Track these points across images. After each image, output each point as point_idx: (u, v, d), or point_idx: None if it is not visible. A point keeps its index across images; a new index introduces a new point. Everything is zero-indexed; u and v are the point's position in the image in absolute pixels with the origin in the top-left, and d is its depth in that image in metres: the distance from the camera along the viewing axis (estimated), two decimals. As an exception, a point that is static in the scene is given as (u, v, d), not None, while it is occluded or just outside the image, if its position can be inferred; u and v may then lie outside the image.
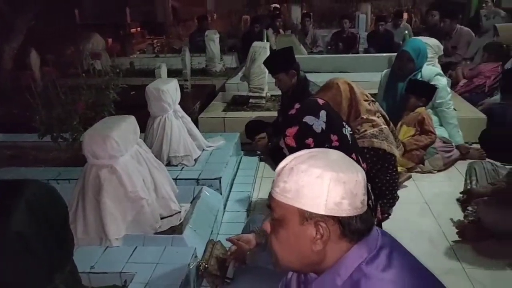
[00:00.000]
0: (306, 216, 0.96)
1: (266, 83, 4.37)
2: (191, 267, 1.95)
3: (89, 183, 2.13)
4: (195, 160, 3.02)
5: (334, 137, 1.68)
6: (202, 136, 3.24)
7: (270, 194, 1.04)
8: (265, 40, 5.78)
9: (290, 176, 0.97)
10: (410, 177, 3.23)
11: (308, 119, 1.67)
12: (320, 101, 1.81)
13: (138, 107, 2.95)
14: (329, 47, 7.50)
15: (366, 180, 1.03)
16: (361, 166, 1.78)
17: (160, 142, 2.90)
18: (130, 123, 2.28)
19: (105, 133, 2.09)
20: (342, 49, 7.18)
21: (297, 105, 1.77)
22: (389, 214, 2.77)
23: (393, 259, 0.97)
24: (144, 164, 2.34)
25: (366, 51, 7.27)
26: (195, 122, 4.14)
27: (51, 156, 3.17)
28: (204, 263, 2.02)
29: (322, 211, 0.95)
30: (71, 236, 1.38)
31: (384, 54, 5.71)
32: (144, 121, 2.94)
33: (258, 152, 3.73)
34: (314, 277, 1.08)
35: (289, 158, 1.03)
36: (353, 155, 1.72)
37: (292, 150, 1.69)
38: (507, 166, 2.69)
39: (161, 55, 7.46)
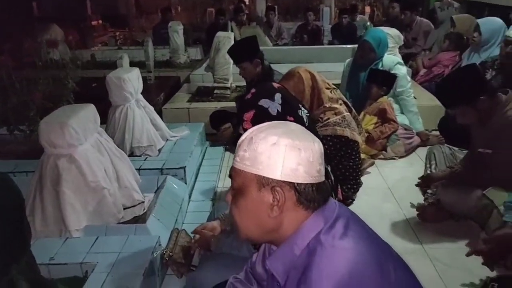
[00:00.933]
0: (263, 182, 0.98)
1: (231, 74, 4.35)
2: (155, 256, 1.92)
3: (47, 174, 2.06)
4: (159, 150, 2.97)
5: (290, 119, 1.69)
6: (166, 127, 3.20)
7: (232, 165, 1.06)
8: (229, 31, 5.74)
9: (249, 145, 1.00)
10: (373, 163, 3.29)
11: (264, 102, 1.68)
12: (275, 85, 1.82)
13: (100, 99, 2.87)
14: (294, 40, 7.54)
15: (323, 152, 1.05)
16: None
17: (122, 132, 2.83)
18: (89, 111, 2.22)
19: (63, 121, 2.03)
20: (307, 41, 7.23)
21: (252, 90, 1.77)
22: (353, 200, 2.82)
23: (349, 229, 0.99)
24: (105, 154, 2.28)
25: (330, 43, 7.37)
26: (159, 113, 4.08)
27: (7, 149, 3.05)
28: (168, 251, 2.01)
29: (278, 177, 0.97)
30: (27, 227, 1.33)
31: (348, 46, 5.80)
32: (106, 112, 2.87)
33: (224, 143, 3.71)
34: (273, 250, 1.09)
35: (250, 130, 1.05)
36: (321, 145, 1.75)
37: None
38: (464, 151, 2.78)
39: (123, 47, 7.30)
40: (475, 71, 2.30)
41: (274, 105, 1.68)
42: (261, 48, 3.37)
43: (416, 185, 2.75)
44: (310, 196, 0.99)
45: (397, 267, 0.99)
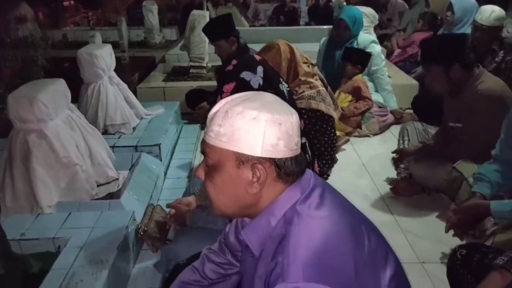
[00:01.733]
0: (242, 159, 0.94)
1: (207, 53, 4.30)
2: (129, 230, 1.91)
3: (17, 149, 2.01)
4: (134, 128, 2.93)
5: (271, 92, 1.68)
6: (141, 105, 3.15)
7: (203, 140, 1.01)
8: (205, 9, 5.66)
9: (224, 119, 0.94)
10: (348, 140, 3.34)
11: (245, 74, 1.66)
12: (257, 57, 1.80)
13: (71, 79, 2.80)
14: (271, 21, 7.50)
15: (299, 123, 1.03)
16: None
17: (95, 109, 2.78)
18: (59, 86, 2.16)
19: (32, 95, 1.97)
20: (284, 22, 7.21)
21: (234, 61, 1.75)
22: (328, 175, 2.85)
23: (325, 199, 0.98)
24: (77, 130, 2.23)
25: (307, 25, 7.37)
26: (134, 92, 4.01)
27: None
28: (143, 226, 2.00)
29: (258, 153, 0.93)
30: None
31: (325, 27, 5.80)
32: (78, 92, 2.80)
33: (199, 121, 3.68)
34: (247, 223, 1.08)
35: (222, 102, 0.99)
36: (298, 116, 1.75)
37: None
38: (436, 127, 2.83)
39: (96, 27, 7.12)
40: (463, 40, 2.33)
41: (256, 78, 1.66)
42: (237, 28, 3.33)
43: (392, 159, 2.79)
44: (289, 170, 0.97)
45: (371, 235, 1.00)
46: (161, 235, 2.03)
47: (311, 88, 2.64)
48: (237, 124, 0.92)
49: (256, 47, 4.22)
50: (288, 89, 1.81)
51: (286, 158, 0.95)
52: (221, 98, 1.71)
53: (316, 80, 2.74)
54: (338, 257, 0.89)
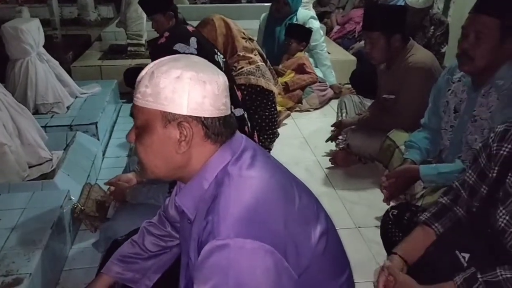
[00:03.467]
0: (168, 118, 0.94)
1: (145, 30, 4.17)
2: (64, 210, 1.84)
3: None
4: (68, 107, 2.81)
5: None
6: (75, 83, 3.01)
7: (132, 103, 1.00)
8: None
9: (150, 80, 0.94)
10: (289, 115, 3.39)
11: (179, 46, 1.62)
12: (190, 28, 1.76)
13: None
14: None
15: (228, 85, 1.03)
16: (235, 93, 1.80)
17: (24, 88, 2.63)
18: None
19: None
20: (225, 1, 7.10)
21: (166, 34, 1.70)
22: (270, 149, 2.88)
23: (256, 160, 0.99)
24: (3, 108, 2.11)
25: (248, 2, 7.30)
26: (68, 72, 3.83)
27: None
28: (79, 206, 1.93)
29: (184, 111, 0.93)
30: None
31: (266, 4, 5.78)
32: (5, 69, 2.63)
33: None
34: (182, 187, 1.08)
35: (150, 65, 0.99)
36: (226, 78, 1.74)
37: (165, 81, 1.65)
38: (372, 100, 2.94)
39: (26, 4, 6.66)
40: (405, 13, 2.43)
41: (189, 50, 1.63)
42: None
43: (327, 140, 2.85)
44: (217, 130, 0.97)
45: (301, 194, 1.03)
46: (99, 214, 1.98)
47: (250, 63, 2.63)
48: (162, 84, 0.92)
49: (196, 24, 4.15)
50: (224, 60, 1.80)
51: (213, 117, 0.96)
52: None
53: (255, 55, 2.73)
54: (268, 213, 0.91)
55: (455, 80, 1.91)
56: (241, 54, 2.63)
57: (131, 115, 1.02)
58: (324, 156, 2.85)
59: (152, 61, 1.83)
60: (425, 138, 2.07)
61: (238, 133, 1.05)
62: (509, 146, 1.20)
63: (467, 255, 1.26)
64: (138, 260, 1.31)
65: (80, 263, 1.82)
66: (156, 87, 0.93)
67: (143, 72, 0.98)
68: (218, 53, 1.80)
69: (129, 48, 4.19)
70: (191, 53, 1.65)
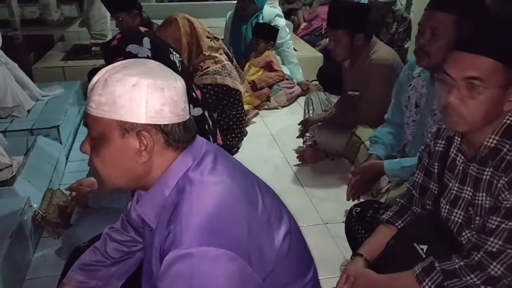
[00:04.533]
0: (127, 128, 0.90)
1: (109, 29, 4.09)
2: (25, 218, 1.78)
3: None
4: (29, 111, 2.72)
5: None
6: (36, 86, 2.93)
7: (85, 112, 0.96)
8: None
9: (104, 88, 0.90)
10: (257, 113, 3.40)
11: (132, 48, 1.59)
12: (142, 29, 1.74)
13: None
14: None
15: (185, 89, 1.01)
16: (194, 92, 1.78)
17: (-20, 92, 2.53)
18: None
19: None
20: (192, -2, 7.04)
21: (118, 36, 1.67)
22: (238, 148, 2.89)
23: (218, 164, 0.98)
24: (-43, 114, 2.03)
25: (216, 0, 7.27)
26: (30, 74, 3.72)
27: None
28: (41, 212, 1.88)
29: (143, 120, 0.90)
30: None
31: (233, 1, 5.77)
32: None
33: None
34: (142, 195, 1.05)
35: (102, 71, 0.95)
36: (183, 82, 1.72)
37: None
38: (338, 96, 2.98)
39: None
40: (368, 11, 2.47)
41: (143, 50, 1.60)
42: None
43: (297, 137, 2.87)
44: (178, 136, 0.94)
45: (264, 195, 1.02)
46: (62, 220, 1.93)
47: (216, 62, 2.63)
48: (117, 92, 0.89)
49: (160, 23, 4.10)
50: (180, 59, 1.77)
51: (173, 124, 0.93)
52: None
53: (220, 54, 2.73)
54: (231, 219, 0.90)
55: (415, 75, 1.95)
56: (207, 53, 2.62)
57: (85, 124, 0.98)
58: (292, 153, 2.86)
59: (106, 64, 1.79)
60: (389, 133, 2.11)
61: (198, 137, 1.03)
62: (443, 142, 1.27)
63: (425, 247, 1.31)
64: (101, 268, 1.28)
65: (43, 272, 1.77)
66: (111, 95, 0.89)
67: (94, 79, 0.93)
68: (174, 53, 1.78)
69: (93, 48, 4.10)
70: (145, 54, 1.62)
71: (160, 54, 1.65)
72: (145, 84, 0.89)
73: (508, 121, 1.10)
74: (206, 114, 1.81)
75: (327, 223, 2.17)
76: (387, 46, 2.54)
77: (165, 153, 0.95)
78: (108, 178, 0.98)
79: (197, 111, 1.71)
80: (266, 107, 3.55)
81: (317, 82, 3.88)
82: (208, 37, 2.69)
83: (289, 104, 3.66)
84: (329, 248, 2.00)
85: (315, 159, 2.70)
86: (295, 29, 4.99)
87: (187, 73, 1.83)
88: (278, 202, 1.08)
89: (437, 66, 1.76)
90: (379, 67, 2.35)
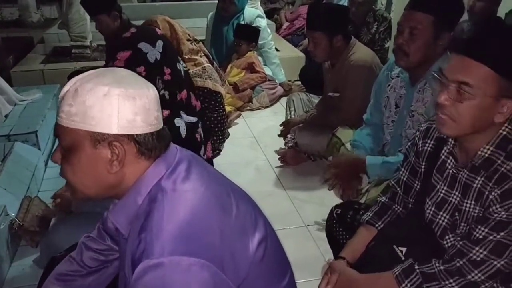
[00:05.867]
0: (98, 138, 0.90)
1: (89, 31, 4.04)
2: (1, 227, 1.76)
3: None
4: (6, 116, 2.68)
5: (167, 70, 1.63)
6: (13, 90, 2.88)
7: (56, 122, 0.95)
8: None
9: (75, 98, 0.89)
10: (239, 115, 3.40)
11: (143, 46, 1.58)
12: (159, 31, 1.73)
13: None
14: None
15: (158, 98, 1.00)
16: (194, 103, 1.78)
17: (-45, 98, 2.49)
18: None
19: None
20: (175, -2, 7.00)
21: (133, 29, 1.65)
22: (220, 150, 2.88)
23: (191, 172, 0.97)
24: None
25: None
26: (8, 77, 3.67)
27: None
28: (17, 221, 1.86)
29: (114, 131, 0.89)
30: None
31: (215, 1, 5.75)
32: None
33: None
34: (116, 204, 1.04)
35: (73, 80, 0.93)
36: (184, 92, 1.71)
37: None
38: (320, 96, 2.98)
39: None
40: (346, 12, 2.53)
41: (153, 52, 1.59)
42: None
43: (279, 135, 2.88)
44: (150, 145, 0.94)
45: (239, 202, 1.01)
46: (40, 228, 1.90)
47: (196, 65, 2.62)
48: (88, 102, 0.88)
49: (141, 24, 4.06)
50: (186, 69, 1.78)
51: (146, 133, 0.93)
52: (112, 64, 1.62)
53: (201, 56, 2.72)
54: (203, 227, 0.90)
55: (394, 75, 1.97)
56: (187, 56, 2.61)
57: (55, 135, 0.97)
58: (274, 155, 2.86)
59: (108, 56, 1.75)
60: (368, 135, 2.12)
61: (172, 144, 1.02)
62: (432, 142, 1.27)
63: (404, 249, 1.32)
64: (77, 277, 1.27)
65: (20, 282, 1.75)
66: (82, 105, 0.88)
67: (65, 89, 0.92)
68: (181, 62, 1.78)
69: (73, 51, 4.06)
70: (155, 56, 1.61)
71: (168, 60, 1.65)
72: (116, 93, 0.89)
73: (504, 132, 1.09)
74: (200, 125, 1.80)
75: (308, 225, 2.18)
76: (366, 47, 2.56)
77: (137, 162, 0.94)
78: (80, 187, 0.97)
79: (191, 119, 1.71)
80: (248, 108, 3.55)
81: (299, 82, 3.90)
82: (188, 40, 2.68)
83: (271, 105, 3.67)
84: (310, 250, 2.01)
85: (297, 160, 2.71)
86: (277, 29, 4.99)
87: (189, 83, 1.83)
88: (254, 209, 1.08)
89: (416, 66, 1.79)
90: (358, 68, 2.37)
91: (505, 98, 1.04)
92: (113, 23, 3.03)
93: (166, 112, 1.58)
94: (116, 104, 0.89)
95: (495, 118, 1.07)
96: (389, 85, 1.99)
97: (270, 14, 5.54)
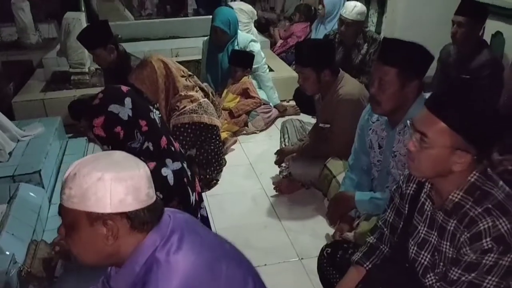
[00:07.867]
0: (94, 217, 1.02)
1: (88, 57, 4.12)
2: (10, 275, 1.85)
3: None
4: (9, 154, 2.76)
5: (143, 122, 1.71)
6: (15, 125, 2.96)
7: (60, 203, 1.07)
8: (82, 7, 5.37)
9: (73, 181, 1.02)
10: (236, 141, 3.49)
11: (114, 107, 1.65)
12: (124, 88, 1.80)
13: None
14: (158, 10, 7.33)
15: (149, 174, 1.11)
16: (173, 146, 1.86)
17: (-41, 140, 2.57)
18: None
19: None
20: (171, 11, 7.09)
21: (100, 94, 1.74)
22: (217, 180, 2.97)
23: (183, 241, 1.08)
24: None
25: (195, 12, 7.31)
26: (9, 108, 3.74)
27: None
28: (26, 267, 1.95)
29: (108, 210, 1.01)
30: None
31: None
32: None
33: (86, 134, 3.56)
34: (116, 271, 1.16)
35: (74, 164, 1.06)
36: (163, 138, 1.79)
37: (103, 140, 1.71)
38: (312, 122, 3.07)
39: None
40: (331, 46, 2.66)
41: (124, 110, 1.67)
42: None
43: (275, 163, 2.97)
44: (142, 220, 1.05)
45: (229, 264, 1.13)
46: (47, 273, 1.99)
47: (192, 101, 2.73)
48: (85, 185, 1.01)
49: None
50: (160, 115, 1.85)
51: (137, 209, 1.04)
52: (93, 132, 1.72)
53: (196, 91, 2.82)
54: None
55: (374, 120, 2.07)
56: (183, 93, 2.71)
57: (59, 213, 1.09)
58: (270, 182, 2.93)
59: (86, 120, 1.86)
60: (352, 180, 2.23)
61: (165, 214, 1.13)
62: (414, 185, 1.39)
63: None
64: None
65: (30, 327, 1.84)
66: (80, 188, 1.01)
67: (67, 173, 1.05)
68: (154, 110, 1.86)
69: (72, 77, 4.14)
70: (127, 114, 1.69)
71: (140, 112, 1.73)
72: (109, 177, 1.01)
73: (472, 179, 1.21)
74: (185, 165, 1.89)
75: (302, 258, 2.27)
76: (354, 79, 2.65)
77: (131, 235, 1.06)
78: (81, 257, 1.10)
79: (176, 165, 1.79)
80: (244, 132, 3.64)
81: (293, 103, 3.98)
82: (183, 76, 2.77)
83: (267, 128, 3.75)
84: (303, 285, 2.10)
85: (291, 189, 2.81)
86: (272, 46, 5.07)
87: (166, 129, 1.91)
88: (244, 268, 1.19)
89: (391, 113, 1.89)
90: (346, 102, 2.47)
91: (460, 151, 1.16)
92: (110, 56, 3.14)
93: (152, 164, 1.67)
94: (109, 187, 1.01)
95: (454, 167, 1.19)
96: (370, 128, 2.10)
97: (265, 27, 5.61)
